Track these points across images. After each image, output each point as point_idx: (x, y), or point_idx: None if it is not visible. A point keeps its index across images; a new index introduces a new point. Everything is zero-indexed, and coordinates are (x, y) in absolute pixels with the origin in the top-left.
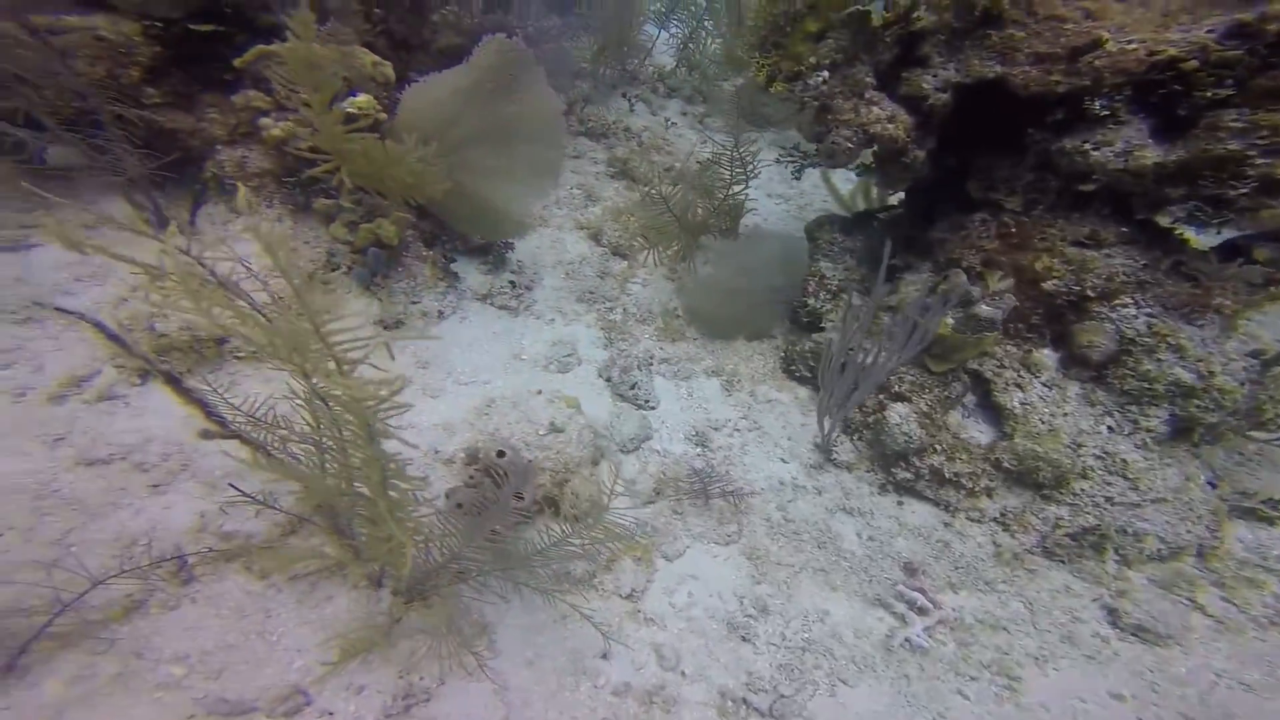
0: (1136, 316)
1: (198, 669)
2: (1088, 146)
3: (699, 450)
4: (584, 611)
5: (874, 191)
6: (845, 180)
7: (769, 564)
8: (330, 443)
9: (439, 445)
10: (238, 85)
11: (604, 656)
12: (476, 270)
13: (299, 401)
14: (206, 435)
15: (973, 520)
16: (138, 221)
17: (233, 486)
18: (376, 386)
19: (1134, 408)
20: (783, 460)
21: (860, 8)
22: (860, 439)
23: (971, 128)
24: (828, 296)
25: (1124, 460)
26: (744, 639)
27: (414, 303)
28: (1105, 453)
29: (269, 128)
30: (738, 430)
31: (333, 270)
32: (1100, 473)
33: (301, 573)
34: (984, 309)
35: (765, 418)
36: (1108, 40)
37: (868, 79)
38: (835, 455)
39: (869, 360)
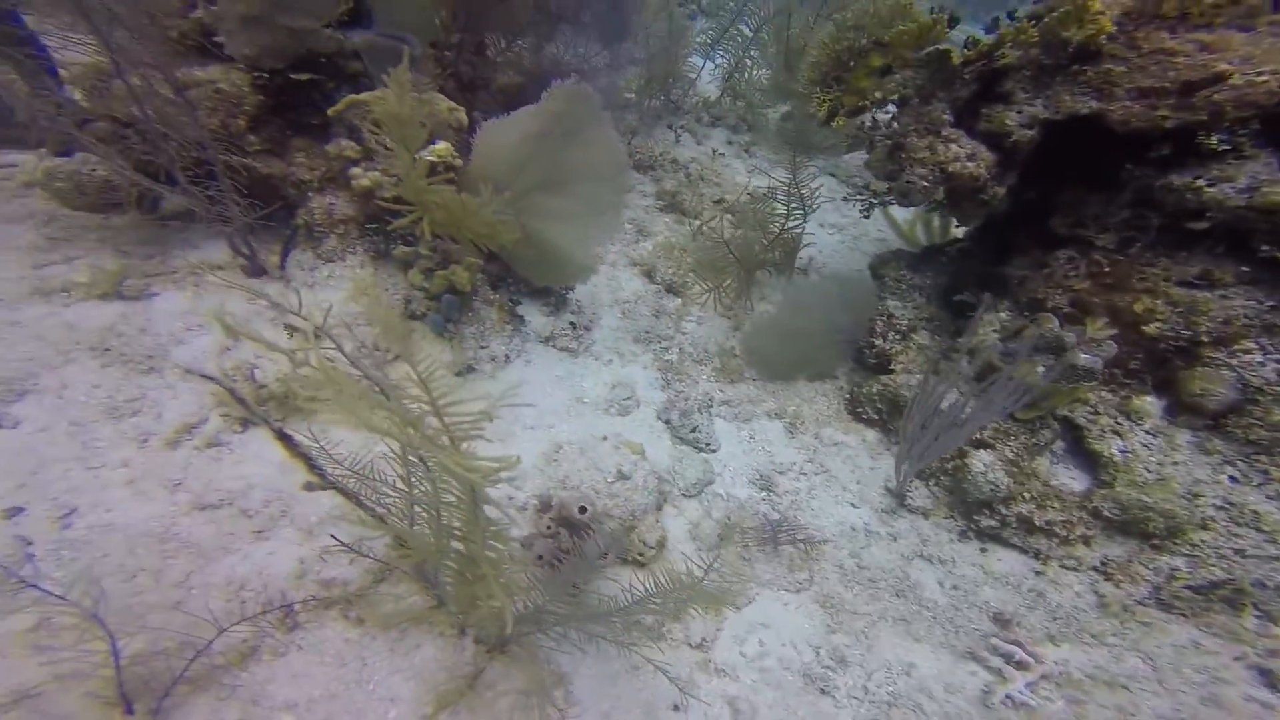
0: (1264, 363)
1: (305, 718)
2: (1201, 183)
3: (764, 494)
4: (658, 663)
5: (935, 223)
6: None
7: (844, 613)
8: (423, 496)
9: (511, 492)
10: (324, 130)
11: (677, 709)
12: (539, 312)
13: (392, 454)
14: (310, 488)
15: (1068, 569)
16: (238, 270)
17: (333, 538)
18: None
19: (1264, 458)
20: (853, 505)
21: (941, 47)
22: (937, 484)
23: (1055, 161)
24: (897, 337)
25: (1255, 512)
26: (822, 691)
27: (483, 347)
28: (1229, 503)
29: (358, 177)
30: (803, 474)
31: (410, 317)
32: (1225, 524)
33: (392, 620)
34: (1081, 357)
35: (832, 461)
36: (1233, 73)
37: (945, 116)
38: (909, 500)
39: (956, 415)
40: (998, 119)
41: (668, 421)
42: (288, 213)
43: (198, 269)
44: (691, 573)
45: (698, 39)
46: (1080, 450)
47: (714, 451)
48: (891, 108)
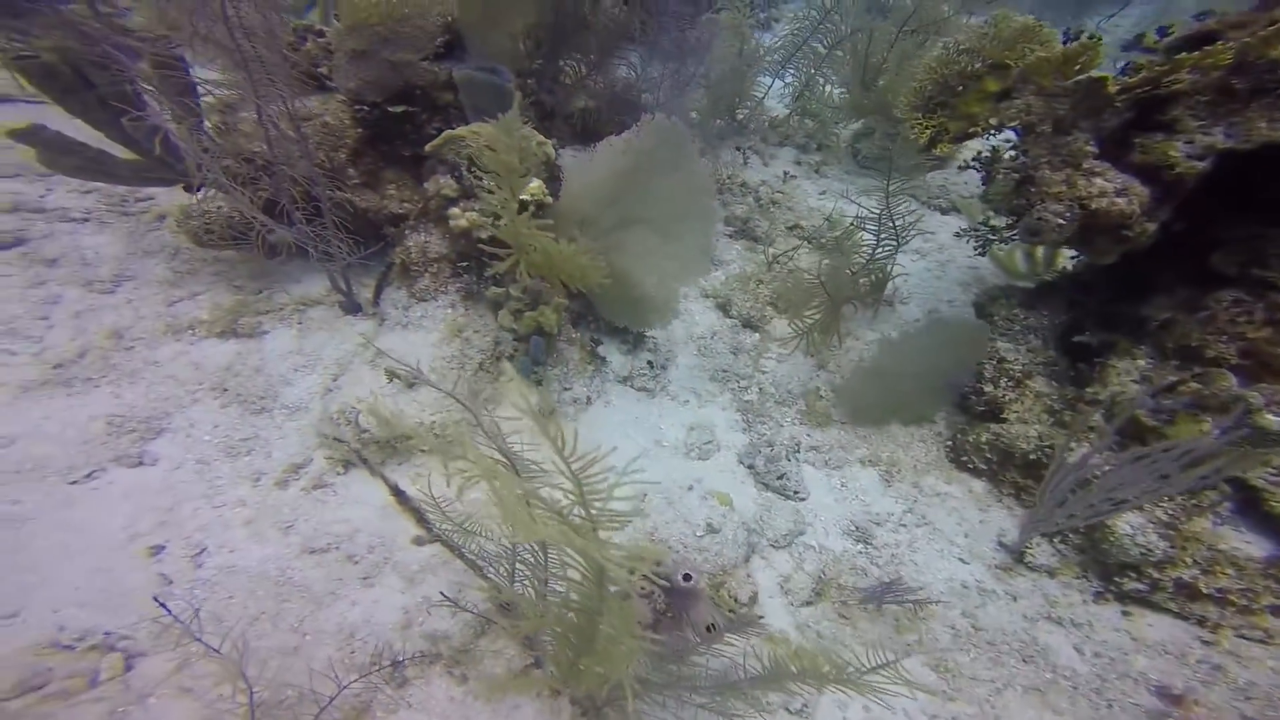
0: None
1: None
2: None
3: (860, 547)
4: None
5: (1040, 252)
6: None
7: (962, 679)
8: (532, 562)
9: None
10: (414, 161)
11: None
12: (617, 350)
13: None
14: (419, 542)
15: (1252, 640)
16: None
17: (443, 595)
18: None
19: None
20: (962, 560)
21: (1094, 74)
22: (1064, 542)
23: (1218, 192)
24: (1010, 383)
25: None
26: None
27: (566, 389)
28: None
29: (456, 218)
30: (903, 525)
31: (498, 358)
32: None
33: (498, 686)
34: (1272, 420)
35: (935, 512)
36: None
37: (1088, 147)
38: (1030, 558)
39: (1112, 486)
40: (1158, 150)
41: (751, 466)
42: (383, 245)
43: (301, 305)
44: (790, 640)
45: (770, 56)
46: (1258, 513)
47: (803, 500)
48: (1009, 135)
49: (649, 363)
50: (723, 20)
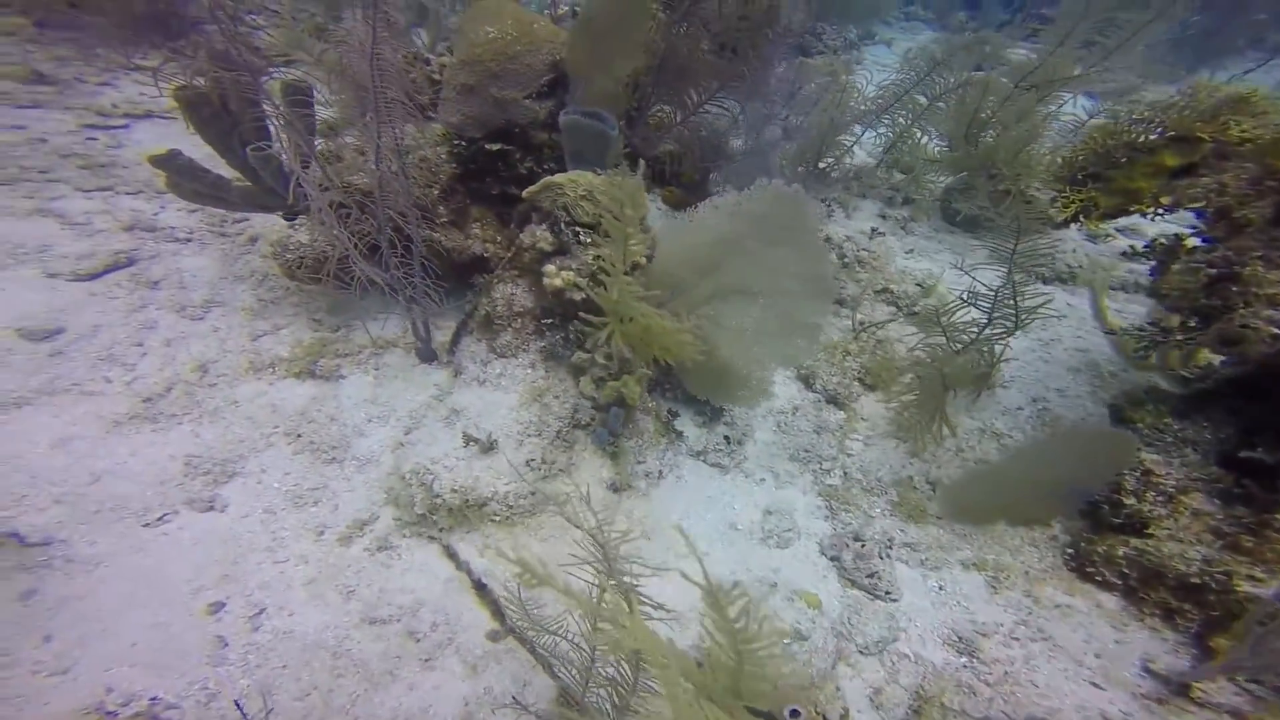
0: None
1: None
2: None
3: (965, 660)
4: None
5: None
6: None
7: None
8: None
9: (669, 633)
10: (501, 200)
11: None
12: (692, 422)
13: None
14: (494, 637)
15: None
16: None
17: (515, 700)
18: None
19: None
20: (1095, 685)
21: None
22: (1257, 680)
23: None
24: (1160, 499)
25: None
26: None
27: (639, 462)
28: None
29: (551, 276)
30: (1015, 639)
31: (576, 427)
32: None
33: None
34: None
35: (1056, 627)
36: None
37: None
38: (1200, 693)
39: None
40: None
41: (836, 559)
42: (461, 285)
43: (378, 348)
44: None
45: (863, 106)
46: None
47: (895, 601)
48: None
49: (725, 437)
50: (818, 65)
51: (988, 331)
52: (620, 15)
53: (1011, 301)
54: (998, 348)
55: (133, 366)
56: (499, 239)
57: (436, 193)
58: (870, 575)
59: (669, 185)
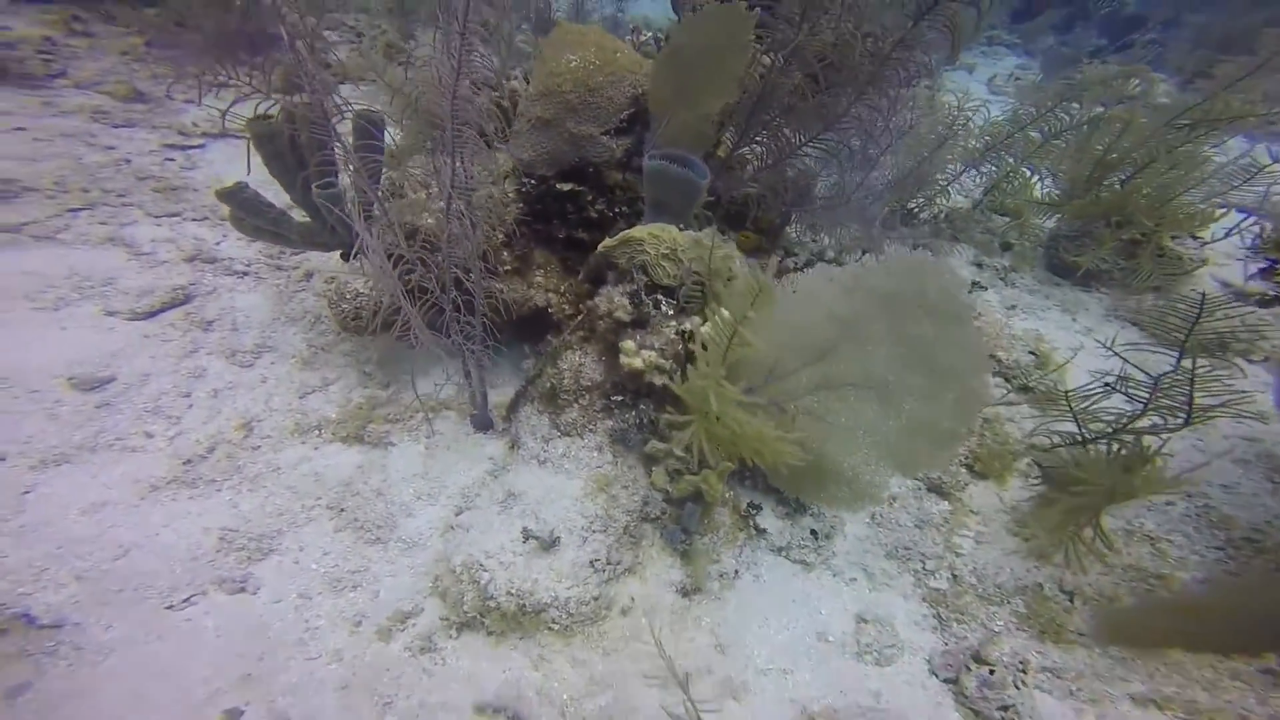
0: None
1: None
2: None
3: None
4: None
5: None
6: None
7: None
8: None
9: None
10: (567, 244)
11: None
12: (773, 514)
13: None
14: None
15: None
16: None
17: None
18: None
19: None
20: None
21: None
22: None
23: None
24: None
25: None
26: None
27: (713, 561)
28: None
29: (630, 354)
30: None
31: (644, 520)
32: None
33: None
34: None
35: None
36: None
37: None
38: None
39: None
40: None
41: (953, 682)
42: (519, 337)
43: (430, 410)
44: None
45: (969, 143)
46: None
47: None
48: None
49: (812, 531)
50: (920, 100)
51: (1137, 420)
52: (714, 46)
53: (1174, 386)
54: (1149, 439)
55: (177, 420)
56: (563, 289)
57: (501, 238)
58: (1003, 709)
59: (744, 229)
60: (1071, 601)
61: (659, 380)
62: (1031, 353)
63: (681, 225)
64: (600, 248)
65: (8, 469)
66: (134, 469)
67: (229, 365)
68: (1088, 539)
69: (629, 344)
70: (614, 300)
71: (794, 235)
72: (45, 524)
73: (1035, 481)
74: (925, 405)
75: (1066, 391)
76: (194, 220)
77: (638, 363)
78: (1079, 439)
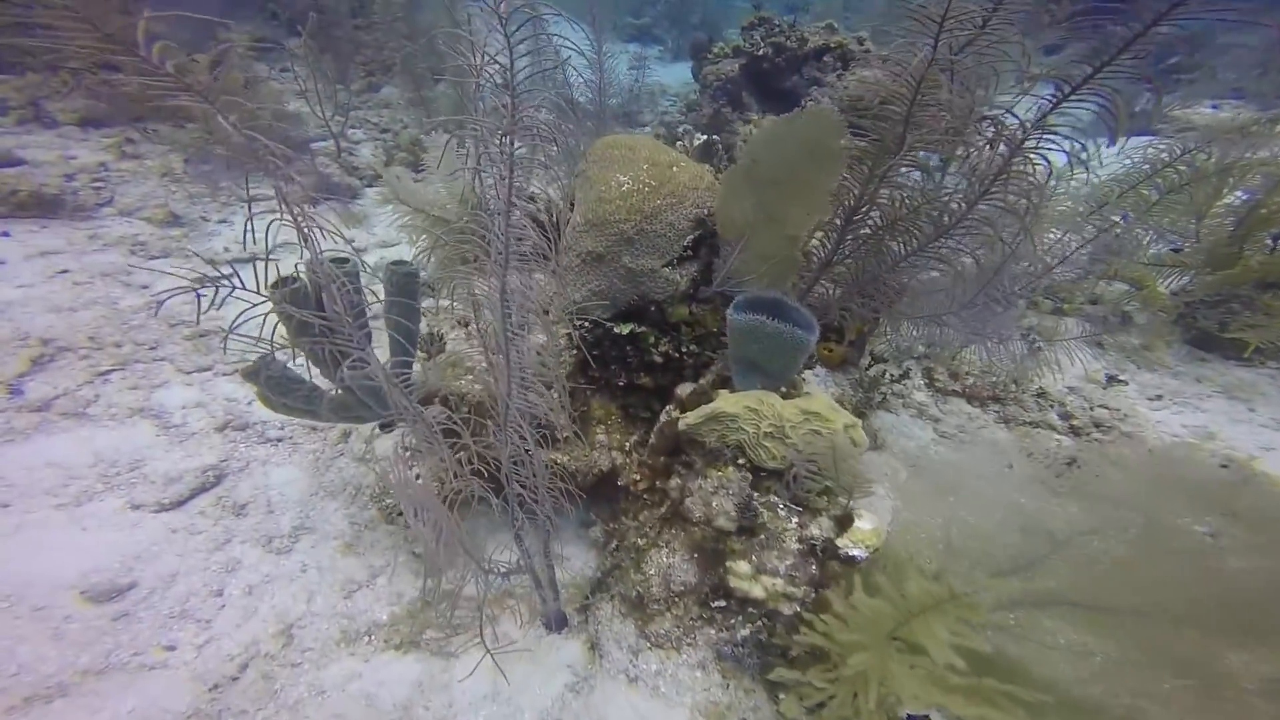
0: None
1: None
2: None
3: None
4: None
5: None
6: None
7: None
8: None
9: None
10: (627, 391)
11: None
12: None
13: None
14: None
15: None
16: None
17: None
18: None
19: None
20: None
21: None
22: None
23: None
24: None
25: None
26: None
27: None
28: None
29: (744, 579)
30: None
31: None
32: None
33: None
34: None
35: None
36: None
37: None
38: None
39: None
40: None
41: None
42: (585, 500)
43: (494, 607)
44: None
45: (1070, 205)
46: None
47: None
48: None
49: None
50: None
51: None
52: (803, 157)
53: None
54: None
55: (208, 624)
56: (628, 447)
57: (556, 396)
58: None
59: (826, 339)
60: None
61: (787, 609)
62: (1224, 465)
63: (782, 389)
64: (681, 425)
65: None
66: (148, 699)
67: (265, 554)
68: None
69: (742, 566)
70: (712, 505)
71: (885, 333)
72: None
73: None
74: (1181, 637)
75: None
76: (225, 375)
77: (757, 591)
78: None
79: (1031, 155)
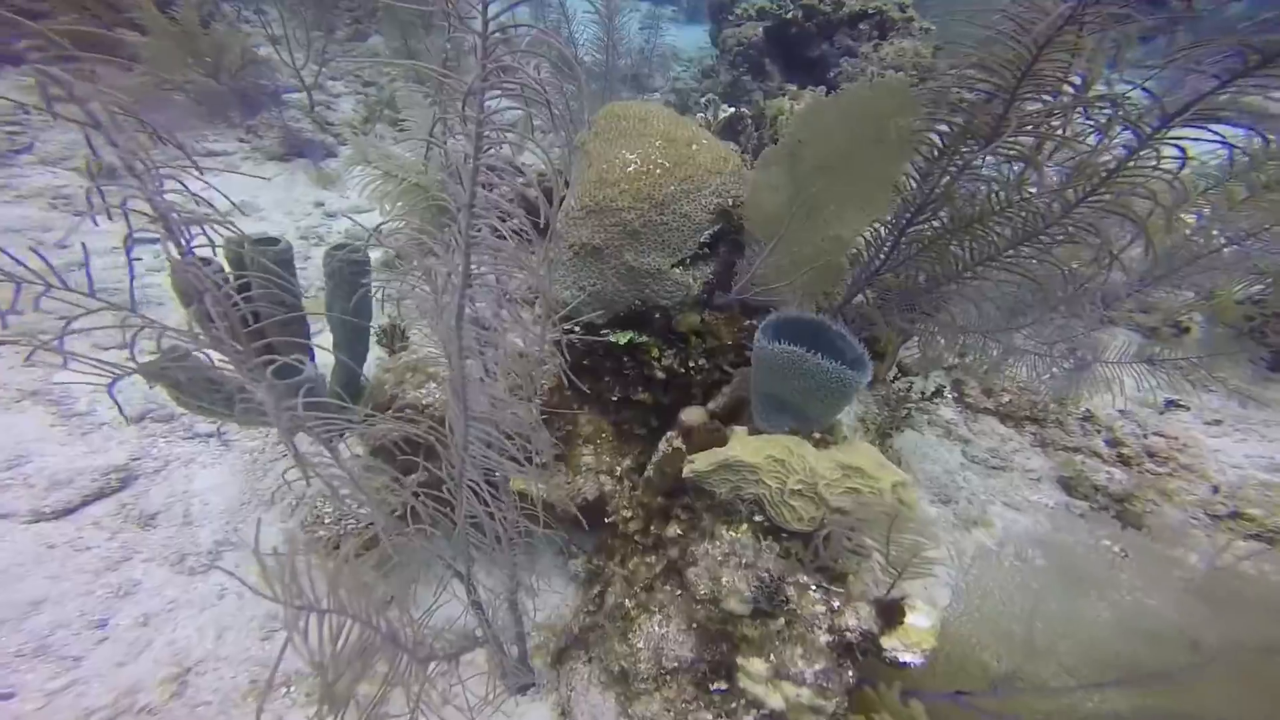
0: None
1: None
2: None
3: None
4: None
5: None
6: None
7: None
8: None
9: None
10: (620, 406)
11: None
12: None
13: None
14: None
15: None
16: None
17: None
18: None
19: None
20: None
21: None
22: None
23: None
24: None
25: None
26: None
27: None
28: None
29: (762, 683)
30: None
31: None
32: None
33: None
34: None
35: None
36: None
37: None
38: None
39: None
40: None
41: None
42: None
43: (452, 662)
44: None
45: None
46: None
47: None
48: None
49: None
50: None
51: None
52: (862, 141)
53: None
54: None
55: (75, 663)
56: (619, 470)
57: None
58: None
59: None
60: None
61: None
62: None
63: (817, 435)
64: (687, 471)
65: None
66: None
67: (173, 575)
68: None
69: (757, 665)
70: (722, 581)
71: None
72: None
73: None
74: None
75: None
76: (152, 354)
77: (775, 700)
78: None
79: (1163, 146)
